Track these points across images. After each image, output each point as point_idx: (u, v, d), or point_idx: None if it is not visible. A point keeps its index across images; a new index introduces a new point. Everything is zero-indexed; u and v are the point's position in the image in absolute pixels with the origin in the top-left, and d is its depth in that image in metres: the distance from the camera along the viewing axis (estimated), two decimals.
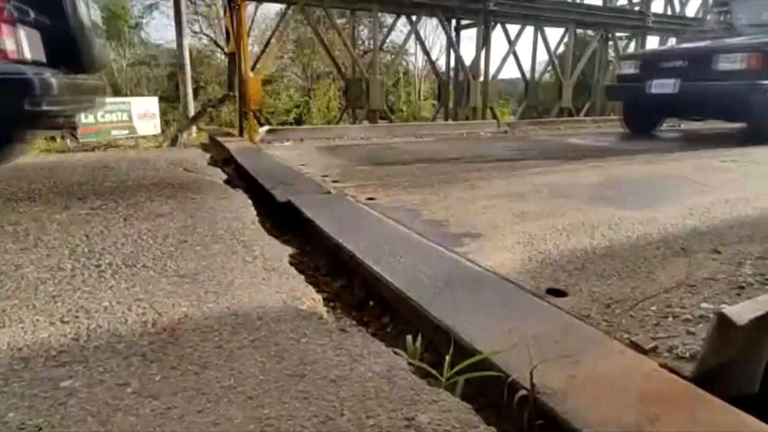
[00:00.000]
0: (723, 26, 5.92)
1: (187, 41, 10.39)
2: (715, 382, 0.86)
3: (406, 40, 9.35)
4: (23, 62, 1.89)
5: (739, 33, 5.43)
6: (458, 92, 8.48)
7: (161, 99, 10.90)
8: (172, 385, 0.88)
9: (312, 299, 1.28)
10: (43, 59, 2.05)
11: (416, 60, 20.92)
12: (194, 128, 7.34)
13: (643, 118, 6.09)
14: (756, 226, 1.87)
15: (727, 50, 4.69)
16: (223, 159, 3.70)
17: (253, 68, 5.70)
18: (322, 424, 0.78)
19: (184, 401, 0.83)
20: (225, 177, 2.98)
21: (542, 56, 8.96)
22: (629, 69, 5.71)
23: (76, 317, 1.13)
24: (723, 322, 0.86)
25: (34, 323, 1.10)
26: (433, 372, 0.96)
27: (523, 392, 0.83)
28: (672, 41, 9.21)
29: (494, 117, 8.37)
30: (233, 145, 4.07)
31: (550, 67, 9.25)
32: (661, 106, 5.58)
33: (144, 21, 21.78)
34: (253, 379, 0.90)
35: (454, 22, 8.69)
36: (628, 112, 6.24)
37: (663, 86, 5.03)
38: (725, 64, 4.60)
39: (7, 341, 1.02)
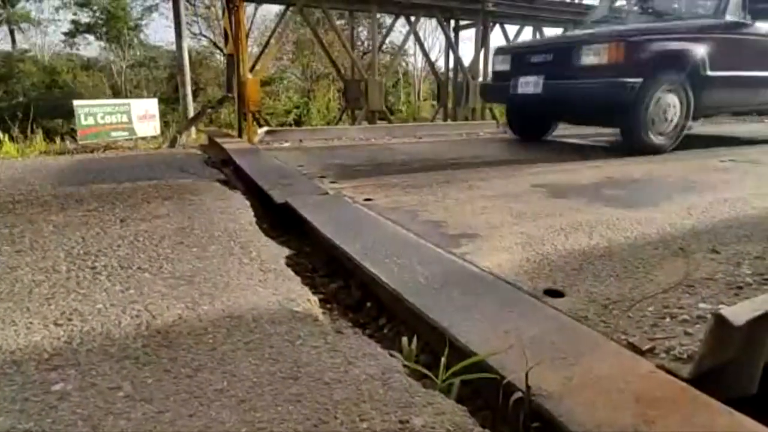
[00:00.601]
0: (640, 12, 4.84)
1: (187, 43, 10.41)
2: (713, 384, 0.86)
3: (405, 41, 9.37)
4: None
5: (656, 19, 4.59)
6: (457, 93, 8.48)
7: (161, 100, 10.93)
8: (164, 389, 0.87)
9: (308, 301, 1.27)
10: None
11: (415, 61, 20.98)
12: (194, 129, 7.34)
13: (528, 122, 5.22)
14: (755, 225, 1.87)
15: (589, 41, 3.94)
16: (221, 160, 3.69)
17: (252, 69, 5.71)
18: (314, 428, 0.77)
19: (176, 405, 0.83)
20: (223, 178, 2.97)
21: None
22: (501, 65, 4.80)
23: (70, 320, 1.12)
24: (720, 322, 0.85)
25: (28, 326, 1.09)
26: (429, 374, 0.95)
27: (518, 394, 0.83)
28: None
29: (493, 117, 8.37)
30: (232, 146, 4.06)
31: None
32: (528, 108, 4.87)
33: (143, 23, 21.89)
34: (246, 381, 0.89)
35: (452, 22, 8.70)
36: (510, 115, 5.39)
37: (527, 85, 4.25)
38: (587, 57, 3.84)
39: None
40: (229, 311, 1.17)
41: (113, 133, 7.81)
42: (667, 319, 1.13)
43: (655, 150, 3.92)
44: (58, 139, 7.78)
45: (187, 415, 0.80)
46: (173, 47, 12.69)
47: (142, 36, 22.06)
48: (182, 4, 10.08)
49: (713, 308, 1.16)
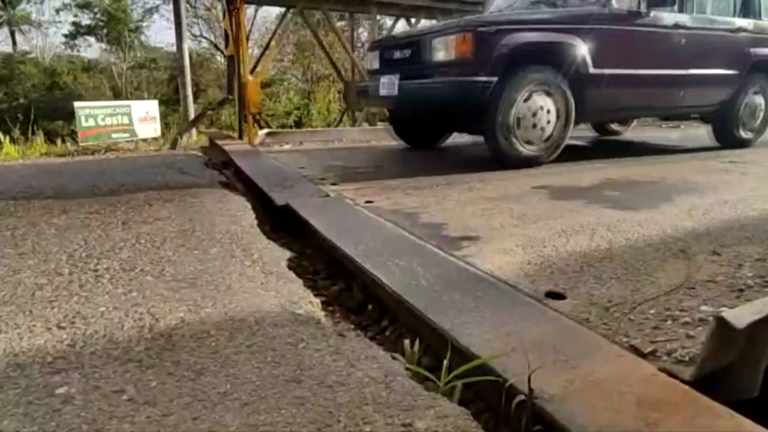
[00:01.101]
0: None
1: (187, 44, 10.43)
2: (715, 386, 0.86)
3: None
4: None
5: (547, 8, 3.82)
6: None
7: (161, 102, 10.92)
8: (167, 392, 0.87)
9: (310, 303, 1.28)
10: None
11: None
12: (194, 131, 7.35)
13: (413, 126, 4.48)
14: (755, 227, 1.87)
15: (437, 33, 3.27)
16: (222, 162, 3.70)
17: (252, 71, 5.72)
18: (318, 431, 0.78)
19: (179, 408, 0.83)
20: (224, 180, 2.98)
21: None
22: (373, 62, 4.09)
23: (73, 323, 1.13)
24: (722, 325, 0.85)
25: (31, 329, 1.10)
26: (431, 377, 0.95)
27: (521, 397, 0.83)
28: None
29: None
30: (232, 147, 4.07)
31: None
32: (395, 112, 4.29)
33: (144, 24, 21.97)
34: (249, 384, 0.90)
35: None
36: (393, 118, 4.55)
37: (386, 86, 3.60)
38: (436, 52, 3.22)
39: (2, 347, 1.02)
40: (231, 314, 1.17)
41: (114, 135, 7.79)
42: (669, 322, 1.13)
43: (525, 162, 3.30)
44: (59, 141, 7.79)
45: (191, 419, 0.80)
46: (174, 49, 12.72)
47: (142, 38, 22.14)
48: (183, 5, 10.10)
49: (715, 311, 1.17)
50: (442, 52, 3.19)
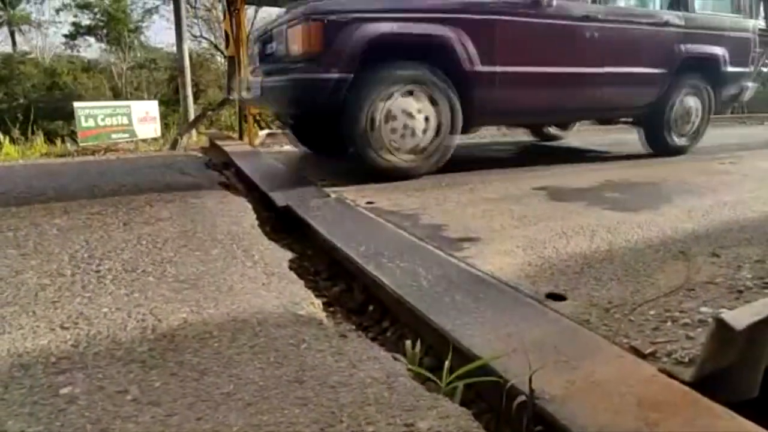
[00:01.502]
0: None
1: (187, 45, 10.43)
2: (714, 387, 0.86)
3: None
4: None
5: None
6: None
7: (161, 102, 10.95)
8: (171, 392, 0.88)
9: (311, 304, 1.28)
10: None
11: None
12: (194, 132, 7.35)
13: (315, 131, 3.75)
14: (755, 229, 1.88)
15: (286, 22, 2.78)
16: (222, 162, 3.70)
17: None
18: (321, 431, 0.78)
19: (183, 408, 0.84)
20: (224, 181, 2.98)
21: None
22: (253, 59, 3.67)
23: (76, 324, 1.13)
24: (721, 326, 0.86)
25: (34, 330, 1.10)
26: (432, 377, 0.96)
27: (522, 398, 0.83)
28: None
29: None
30: (233, 148, 4.08)
31: None
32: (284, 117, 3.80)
33: (144, 25, 22.00)
34: (252, 385, 0.90)
35: None
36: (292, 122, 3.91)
37: (254, 85, 3.15)
38: (287, 44, 2.76)
39: (7, 348, 1.02)
40: (233, 315, 1.18)
41: (114, 135, 7.80)
42: (669, 323, 1.14)
43: (399, 174, 2.86)
44: (58, 141, 7.79)
45: (195, 419, 0.81)
46: (174, 49, 12.74)
47: (142, 38, 22.20)
48: (183, 6, 10.11)
49: (714, 312, 1.17)
50: (290, 44, 2.74)
